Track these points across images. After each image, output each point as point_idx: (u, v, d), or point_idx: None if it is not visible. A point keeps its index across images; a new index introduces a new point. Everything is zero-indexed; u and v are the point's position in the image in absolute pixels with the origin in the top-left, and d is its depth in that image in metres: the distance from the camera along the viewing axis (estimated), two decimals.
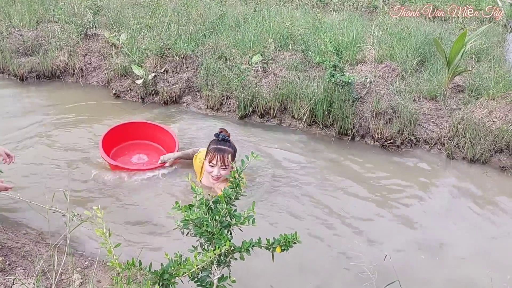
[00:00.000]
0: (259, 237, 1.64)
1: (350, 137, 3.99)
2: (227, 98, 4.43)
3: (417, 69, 5.00)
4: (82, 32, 5.20)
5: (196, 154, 3.25)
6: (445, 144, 3.81)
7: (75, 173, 3.21)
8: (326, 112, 4.05)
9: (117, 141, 3.58)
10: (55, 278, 1.81)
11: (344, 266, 2.50)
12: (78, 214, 2.03)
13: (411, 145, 3.91)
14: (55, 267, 1.81)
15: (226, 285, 1.61)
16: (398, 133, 3.88)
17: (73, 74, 5.00)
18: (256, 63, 4.52)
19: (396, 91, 4.36)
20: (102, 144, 3.28)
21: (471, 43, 4.32)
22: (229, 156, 2.89)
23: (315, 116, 4.13)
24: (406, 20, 6.96)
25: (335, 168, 3.53)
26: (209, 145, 2.99)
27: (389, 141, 3.88)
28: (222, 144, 2.91)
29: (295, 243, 1.63)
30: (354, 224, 2.86)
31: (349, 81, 3.86)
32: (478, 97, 4.20)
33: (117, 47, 5.09)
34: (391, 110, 4.06)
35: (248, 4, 7.66)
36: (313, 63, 4.84)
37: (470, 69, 4.54)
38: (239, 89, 4.28)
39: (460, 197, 3.26)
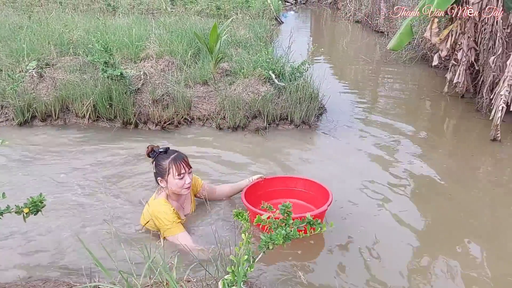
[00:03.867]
0: (8, 205, 1.89)
1: (133, 125, 4.39)
2: (2, 108, 4.32)
3: (194, 60, 5.71)
4: None
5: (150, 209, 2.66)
6: (214, 118, 4.55)
7: None
8: (108, 106, 4.36)
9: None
10: None
11: None
12: None
13: (187, 123, 4.54)
14: None
15: None
16: (175, 114, 4.46)
17: None
18: (29, 69, 4.51)
19: (176, 81, 4.95)
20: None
21: (224, 34, 5.18)
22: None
23: (99, 112, 4.40)
24: (185, 18, 7.74)
25: (119, 155, 3.85)
26: (158, 166, 2.67)
27: (168, 123, 4.43)
28: (171, 153, 2.68)
29: (41, 202, 1.93)
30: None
31: (122, 74, 4.25)
32: (238, 77, 5.09)
33: None
34: (168, 97, 4.61)
35: (25, 13, 7.35)
36: (96, 64, 5.07)
37: (228, 55, 5.44)
38: (14, 97, 4.23)
39: (228, 152, 3.96)
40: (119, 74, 4.18)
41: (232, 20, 6.84)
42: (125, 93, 4.38)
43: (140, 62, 5.52)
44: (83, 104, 4.35)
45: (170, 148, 2.73)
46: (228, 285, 1.70)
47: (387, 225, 2.89)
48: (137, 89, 4.56)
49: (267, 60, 4.85)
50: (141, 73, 4.68)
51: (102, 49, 4.22)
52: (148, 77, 4.74)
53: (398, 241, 2.73)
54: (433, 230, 2.89)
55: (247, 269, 1.82)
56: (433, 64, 5.97)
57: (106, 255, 1.91)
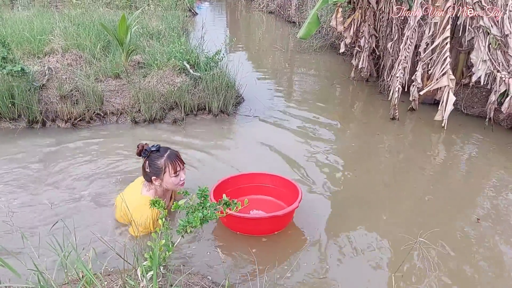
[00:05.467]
0: None
1: (40, 124, 4.12)
2: None
3: (104, 53, 5.47)
4: None
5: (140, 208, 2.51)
6: (128, 112, 4.43)
7: None
8: (10, 105, 4.04)
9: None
10: None
11: None
12: None
13: (100, 118, 4.36)
14: None
15: None
16: (86, 110, 4.26)
17: None
18: None
19: (85, 75, 4.71)
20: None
21: (135, 25, 5.04)
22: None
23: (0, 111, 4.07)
24: (91, 10, 7.38)
25: (22, 156, 3.60)
26: (152, 166, 2.58)
27: (79, 119, 4.23)
28: (163, 151, 2.62)
29: None
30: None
31: (23, 70, 3.95)
32: (152, 69, 4.99)
33: None
34: (77, 92, 4.39)
35: None
36: None
37: (140, 47, 5.31)
38: None
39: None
40: (20, 69, 3.89)
41: (142, 11, 6.65)
42: (29, 90, 4.09)
43: (44, 57, 5.18)
44: None
45: (161, 145, 2.66)
46: (146, 271, 1.71)
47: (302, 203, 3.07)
48: (42, 85, 4.28)
49: (181, 50, 4.82)
50: (46, 68, 4.39)
51: None
52: (54, 73, 4.47)
53: (313, 219, 2.92)
54: (341, 200, 3.13)
55: (165, 254, 1.85)
56: (340, 51, 6.37)
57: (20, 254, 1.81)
